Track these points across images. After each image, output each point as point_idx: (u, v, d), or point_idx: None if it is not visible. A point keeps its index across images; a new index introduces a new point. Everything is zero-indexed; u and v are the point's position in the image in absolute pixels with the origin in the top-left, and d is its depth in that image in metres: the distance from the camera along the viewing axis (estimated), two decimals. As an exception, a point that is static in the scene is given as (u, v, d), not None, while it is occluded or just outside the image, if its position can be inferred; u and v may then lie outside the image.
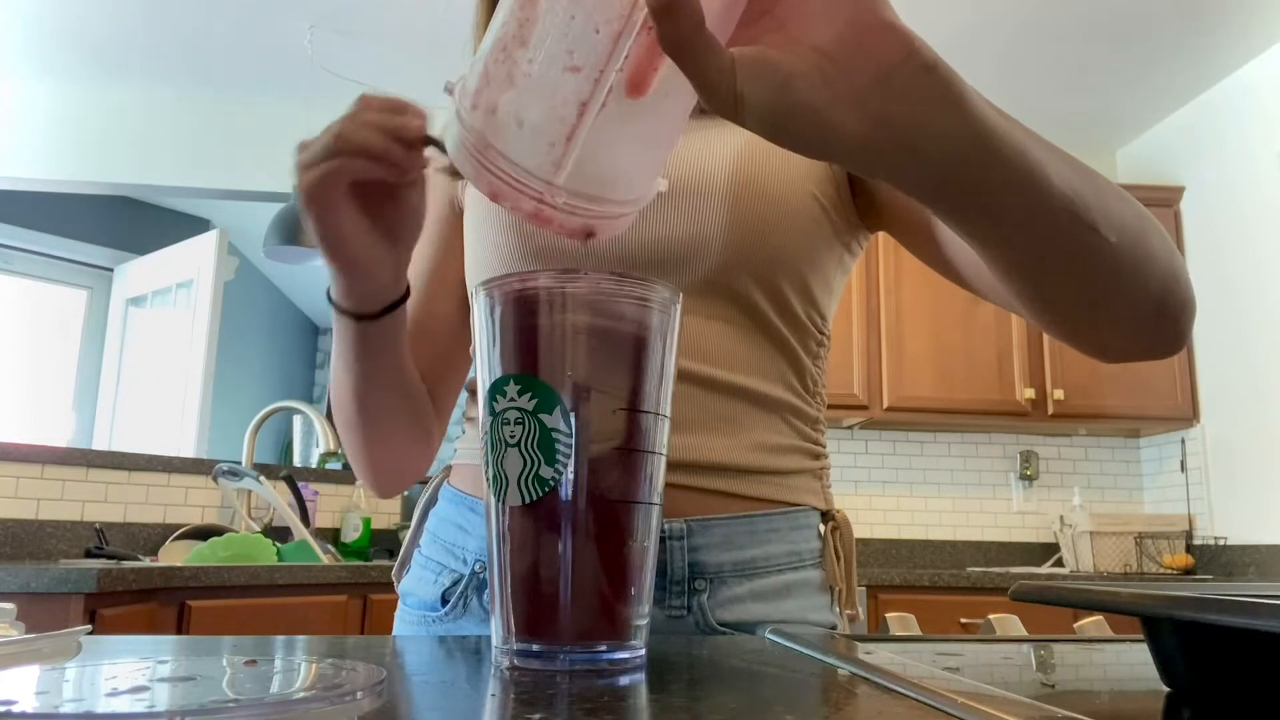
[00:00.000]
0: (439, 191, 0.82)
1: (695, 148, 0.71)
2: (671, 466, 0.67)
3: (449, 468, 0.80)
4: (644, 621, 0.44)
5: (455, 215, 0.82)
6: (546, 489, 0.41)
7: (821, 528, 0.74)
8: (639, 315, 0.43)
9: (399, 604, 0.79)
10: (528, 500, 0.41)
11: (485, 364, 0.43)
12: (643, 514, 0.43)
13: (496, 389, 0.42)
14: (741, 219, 0.68)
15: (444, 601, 0.71)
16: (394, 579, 0.81)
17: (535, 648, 0.42)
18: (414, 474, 0.79)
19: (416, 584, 0.76)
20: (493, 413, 0.43)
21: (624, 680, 0.40)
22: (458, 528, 0.74)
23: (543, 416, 0.41)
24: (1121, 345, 0.56)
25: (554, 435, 0.40)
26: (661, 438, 0.45)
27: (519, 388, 0.41)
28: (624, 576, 0.42)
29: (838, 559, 0.75)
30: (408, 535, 0.82)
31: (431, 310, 0.80)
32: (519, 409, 0.41)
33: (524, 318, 0.42)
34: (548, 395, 0.41)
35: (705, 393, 0.69)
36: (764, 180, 0.70)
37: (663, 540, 0.66)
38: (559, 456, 0.40)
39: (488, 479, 0.43)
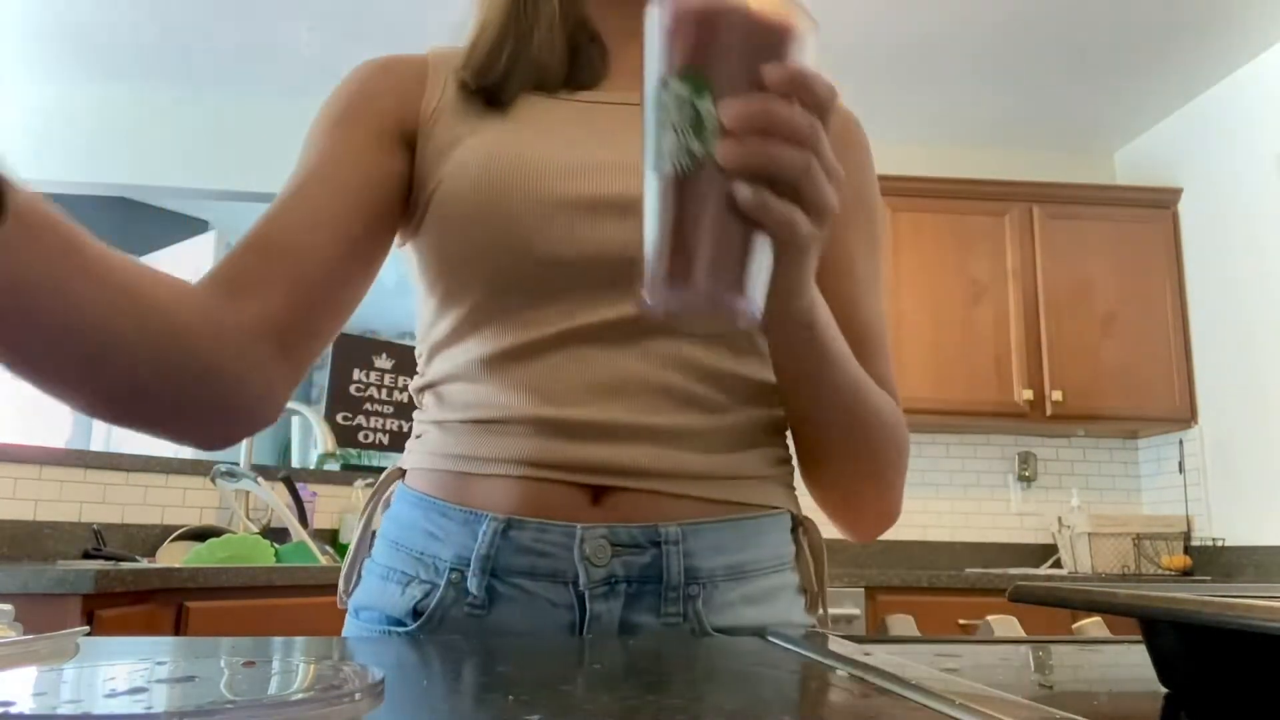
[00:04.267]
0: (387, 106, 0.71)
1: None
2: (659, 476, 0.67)
3: (402, 470, 0.74)
4: (759, 295, 0.47)
5: (399, 154, 0.71)
6: (694, 160, 0.46)
7: (790, 534, 0.74)
8: (798, 36, 0.47)
9: (349, 620, 0.72)
10: (680, 170, 0.46)
11: (652, 62, 0.48)
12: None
13: (663, 81, 0.48)
14: None
15: (416, 614, 0.66)
16: (342, 595, 0.73)
17: (680, 289, 0.46)
18: (241, 429, 0.64)
19: (376, 596, 0.69)
20: (658, 104, 0.48)
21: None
22: (428, 535, 0.68)
23: (696, 101, 0.46)
24: (847, 525, 0.76)
25: (703, 117, 0.46)
26: None
27: (680, 79, 0.47)
28: (748, 243, 0.46)
29: (811, 561, 0.75)
30: (353, 544, 0.73)
31: (313, 221, 0.66)
32: (679, 96, 0.47)
33: (698, 19, 0.47)
34: (701, 84, 0.46)
35: (698, 412, 0.69)
36: None
37: (660, 545, 0.65)
38: (705, 135, 0.46)
39: (653, 152, 0.47)
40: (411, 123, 0.72)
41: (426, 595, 0.66)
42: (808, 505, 0.75)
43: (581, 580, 0.64)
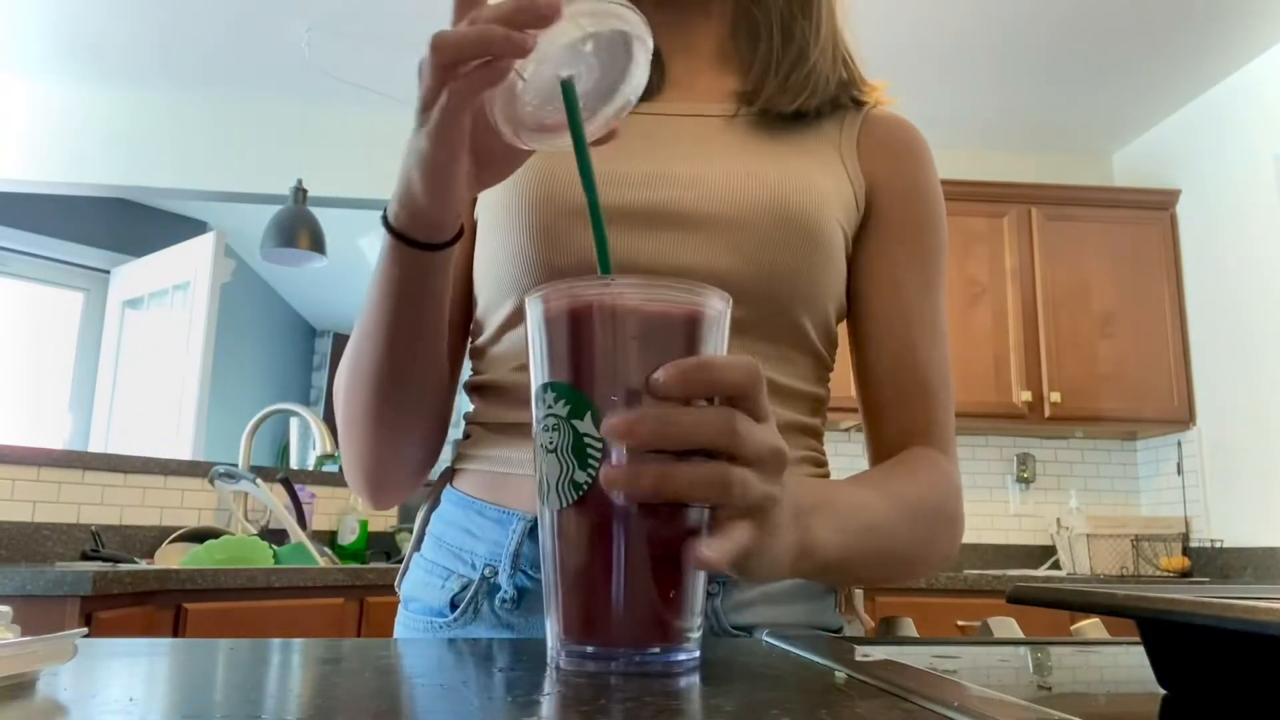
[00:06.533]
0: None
1: (733, 177, 0.70)
2: None
3: (451, 470, 0.79)
4: (696, 621, 0.43)
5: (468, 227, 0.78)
6: (581, 492, 0.41)
7: None
8: (684, 320, 0.43)
9: (400, 610, 0.77)
10: (565, 504, 0.42)
11: (533, 370, 0.44)
12: (682, 515, 0.42)
13: (538, 396, 0.44)
14: (779, 255, 0.68)
15: (453, 607, 0.70)
16: (397, 585, 0.79)
17: (589, 649, 0.42)
18: (414, 483, 0.76)
19: (421, 589, 0.74)
20: (537, 419, 0.44)
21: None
22: (465, 532, 0.72)
23: (575, 422, 0.41)
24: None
25: (585, 441, 0.41)
26: None
27: (554, 395, 0.42)
28: (668, 578, 0.42)
29: None
30: (412, 541, 0.80)
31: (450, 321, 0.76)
32: (555, 415, 0.42)
33: (567, 326, 0.43)
34: (579, 402, 0.41)
35: None
36: (804, 215, 0.69)
37: None
38: (590, 461, 0.41)
39: (537, 483, 0.44)
40: None
41: (463, 589, 0.70)
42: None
43: None
